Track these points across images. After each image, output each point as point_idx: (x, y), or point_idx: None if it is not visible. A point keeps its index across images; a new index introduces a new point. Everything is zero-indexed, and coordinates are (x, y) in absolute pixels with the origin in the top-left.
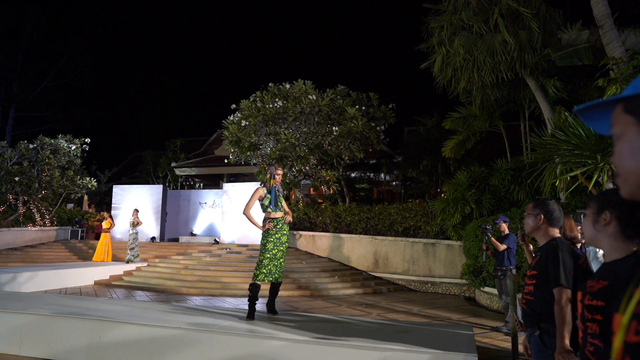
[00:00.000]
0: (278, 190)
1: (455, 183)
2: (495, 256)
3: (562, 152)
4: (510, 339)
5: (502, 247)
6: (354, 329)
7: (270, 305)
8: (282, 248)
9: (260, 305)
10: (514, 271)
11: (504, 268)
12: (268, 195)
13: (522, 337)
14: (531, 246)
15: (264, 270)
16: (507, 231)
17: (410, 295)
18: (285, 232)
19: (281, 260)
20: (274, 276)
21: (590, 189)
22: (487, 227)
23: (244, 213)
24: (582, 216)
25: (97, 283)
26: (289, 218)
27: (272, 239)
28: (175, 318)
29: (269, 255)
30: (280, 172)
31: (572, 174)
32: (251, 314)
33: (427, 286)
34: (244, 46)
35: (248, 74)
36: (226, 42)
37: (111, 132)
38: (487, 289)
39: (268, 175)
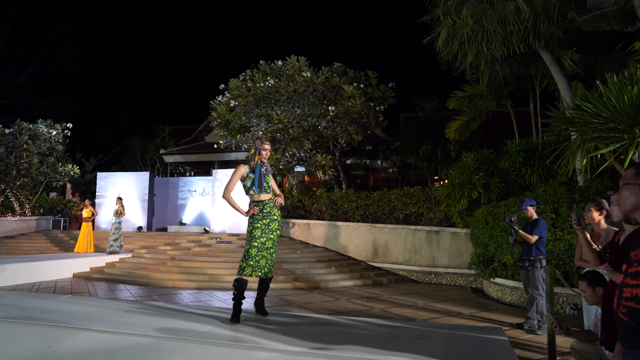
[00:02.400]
0: (265, 169)
1: (461, 166)
2: (523, 244)
3: (591, 126)
4: (547, 342)
5: (534, 238)
6: (362, 334)
7: (259, 305)
8: (272, 236)
9: (249, 303)
10: (544, 262)
11: (532, 258)
12: (251, 175)
13: (556, 337)
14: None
15: (251, 263)
16: (535, 216)
17: (412, 287)
18: (275, 217)
19: (272, 250)
20: (263, 270)
21: (625, 168)
22: (512, 218)
23: (223, 196)
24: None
25: (75, 276)
26: (280, 200)
27: (259, 225)
28: (145, 321)
29: (256, 244)
30: (267, 146)
31: (604, 150)
32: (236, 316)
33: (431, 277)
34: (235, 27)
35: (240, 58)
36: (216, 23)
37: (100, 121)
38: (498, 280)
39: (252, 151)
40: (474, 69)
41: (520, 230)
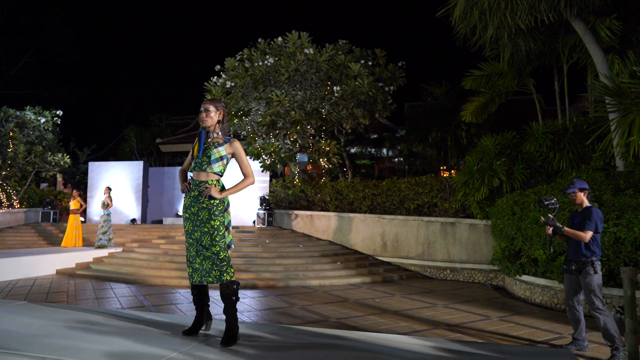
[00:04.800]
0: (211, 139)
1: (480, 151)
2: (568, 240)
3: None
4: None
5: (588, 235)
6: None
7: (225, 331)
8: (205, 229)
9: (245, 316)
10: (598, 265)
11: (582, 260)
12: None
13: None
14: None
15: (196, 266)
16: (586, 203)
17: (427, 284)
18: (204, 205)
19: (215, 249)
20: (209, 274)
21: None
22: (551, 201)
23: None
24: None
25: (59, 272)
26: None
27: (187, 215)
28: (101, 342)
29: (191, 241)
30: (210, 107)
31: None
32: (188, 329)
33: (446, 272)
34: (234, 7)
35: (239, 43)
36: (214, 4)
37: (99, 113)
38: (526, 277)
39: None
40: (494, 43)
41: (565, 228)
